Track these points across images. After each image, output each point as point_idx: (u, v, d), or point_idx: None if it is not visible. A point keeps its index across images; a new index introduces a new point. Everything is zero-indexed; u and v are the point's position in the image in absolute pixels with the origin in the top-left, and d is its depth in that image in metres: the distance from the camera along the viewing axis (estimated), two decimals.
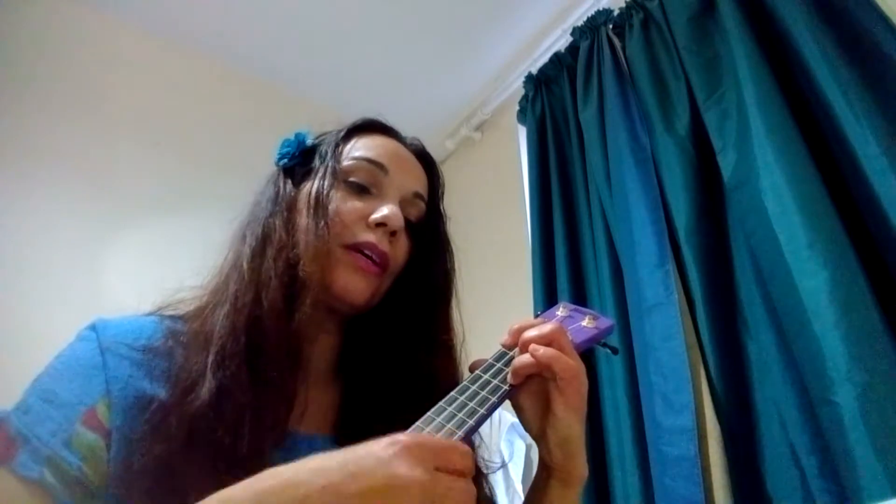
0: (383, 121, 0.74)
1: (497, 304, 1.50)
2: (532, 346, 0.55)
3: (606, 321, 0.64)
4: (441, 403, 0.53)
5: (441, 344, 0.67)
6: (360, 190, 0.66)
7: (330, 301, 0.62)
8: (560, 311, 0.67)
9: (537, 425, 0.57)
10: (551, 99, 1.72)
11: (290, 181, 0.68)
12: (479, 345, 0.69)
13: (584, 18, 1.61)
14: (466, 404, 0.53)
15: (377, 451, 0.40)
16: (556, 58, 1.72)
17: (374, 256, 0.62)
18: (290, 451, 0.53)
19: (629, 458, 1.16)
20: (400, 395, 0.62)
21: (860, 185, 0.96)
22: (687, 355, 1.09)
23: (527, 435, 0.67)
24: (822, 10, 1.08)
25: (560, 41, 1.75)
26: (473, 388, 0.55)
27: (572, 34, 1.65)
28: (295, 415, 0.56)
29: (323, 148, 0.69)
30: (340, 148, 0.68)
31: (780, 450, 0.99)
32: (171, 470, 0.47)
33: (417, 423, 0.51)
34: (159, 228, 1.58)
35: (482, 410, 0.52)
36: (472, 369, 0.60)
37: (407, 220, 0.67)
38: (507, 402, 0.58)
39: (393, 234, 0.64)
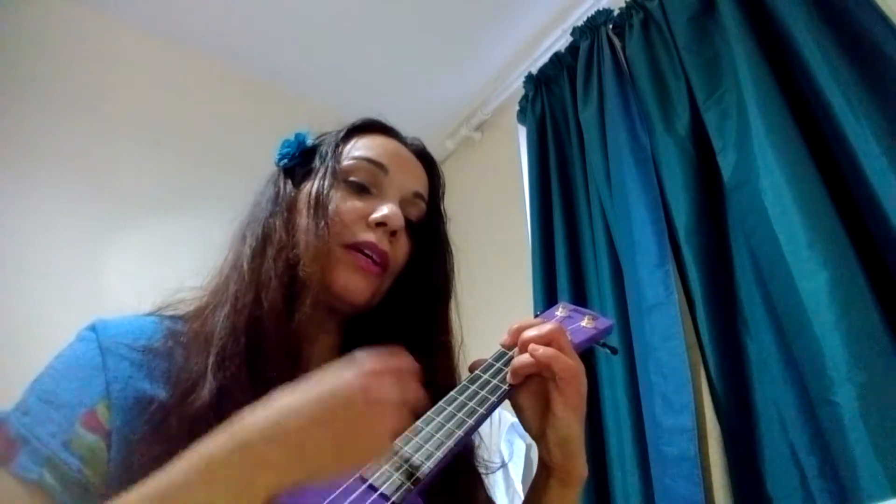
0: (383, 121, 0.73)
1: (497, 304, 1.50)
2: (531, 346, 0.55)
3: (606, 321, 0.64)
4: (441, 403, 0.53)
5: (441, 344, 0.67)
6: (360, 190, 0.66)
7: (330, 301, 0.62)
8: (559, 311, 0.67)
9: (537, 425, 0.58)
10: (551, 99, 1.72)
11: (290, 181, 0.68)
12: (478, 345, 0.69)
13: (584, 18, 1.61)
14: (466, 404, 0.53)
15: (350, 381, 0.42)
16: (556, 58, 1.72)
17: (374, 256, 0.62)
18: None
19: (629, 458, 1.16)
20: None
21: (860, 185, 0.96)
22: (687, 355, 1.09)
23: (527, 435, 0.67)
24: (822, 10, 1.08)
25: (560, 41, 1.75)
26: (473, 387, 0.55)
27: (572, 34, 1.65)
28: None
29: (323, 148, 0.69)
30: (340, 148, 0.68)
31: (780, 450, 0.99)
32: None
33: (417, 422, 0.51)
34: (159, 228, 1.58)
35: (482, 410, 0.52)
36: (471, 369, 0.60)
37: (407, 220, 0.67)
38: (507, 402, 0.58)
39: (393, 233, 0.64)
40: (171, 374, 0.54)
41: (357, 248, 0.62)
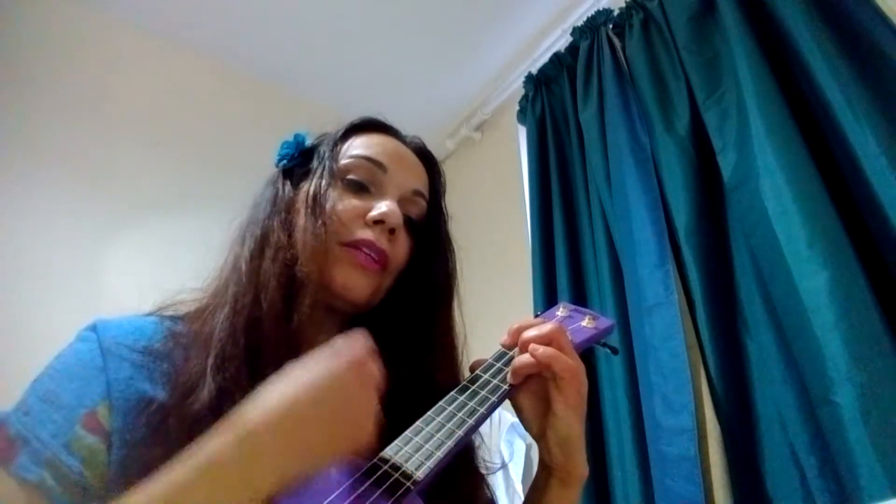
0: (382, 119, 0.73)
1: (497, 304, 1.50)
2: (531, 346, 0.55)
3: (606, 321, 0.64)
4: (441, 403, 0.53)
5: (442, 344, 0.67)
6: (359, 188, 0.65)
7: (330, 300, 0.61)
8: (560, 311, 0.67)
9: (537, 425, 0.57)
10: (551, 99, 1.72)
11: (288, 182, 0.68)
12: (479, 345, 0.69)
13: (584, 18, 1.61)
14: (466, 404, 0.53)
15: (339, 370, 0.44)
16: (556, 58, 1.72)
17: (372, 254, 0.62)
18: None
19: (629, 458, 1.16)
20: (400, 395, 0.61)
21: (860, 185, 0.96)
22: (687, 355, 1.09)
23: (527, 435, 0.67)
24: (822, 10, 1.08)
25: (560, 41, 1.75)
26: (473, 387, 0.55)
27: (572, 34, 1.65)
28: None
29: (321, 148, 0.69)
30: (338, 147, 0.68)
31: (780, 450, 0.99)
32: None
33: (417, 422, 0.51)
34: (159, 228, 1.58)
35: (482, 410, 0.52)
36: (472, 369, 0.60)
37: (408, 219, 0.67)
38: (508, 402, 0.58)
39: (392, 231, 0.63)
40: (171, 376, 0.54)
41: (355, 246, 0.62)
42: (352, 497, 0.43)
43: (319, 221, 0.61)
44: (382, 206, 0.63)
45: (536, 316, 0.68)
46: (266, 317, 0.57)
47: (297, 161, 0.70)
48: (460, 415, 0.51)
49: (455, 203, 0.78)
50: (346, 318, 0.66)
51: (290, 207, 0.65)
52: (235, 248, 0.64)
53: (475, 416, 0.51)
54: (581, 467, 0.57)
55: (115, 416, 0.50)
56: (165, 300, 0.63)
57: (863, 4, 1.04)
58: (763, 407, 1.04)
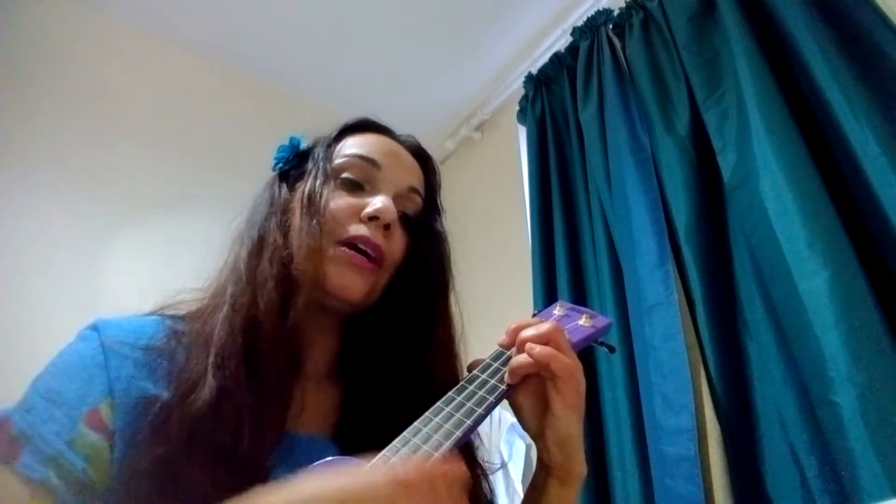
0: (375, 119, 0.73)
1: (497, 303, 1.50)
2: (529, 346, 0.55)
3: (603, 320, 0.64)
4: (439, 404, 0.53)
5: (440, 341, 0.67)
6: (354, 187, 0.66)
7: (325, 299, 0.61)
8: (557, 309, 0.67)
9: (536, 424, 0.57)
10: (551, 99, 1.72)
11: (284, 185, 0.68)
12: (479, 345, 0.69)
13: (584, 18, 1.61)
14: (464, 404, 0.53)
15: (378, 486, 0.39)
16: (556, 58, 1.72)
17: (368, 250, 0.62)
18: (288, 452, 0.53)
19: (629, 458, 1.16)
20: (400, 395, 0.62)
21: (860, 185, 0.96)
22: (687, 355, 1.09)
23: (526, 435, 0.67)
24: (822, 10, 1.08)
25: (560, 41, 1.75)
26: (471, 388, 0.55)
27: (572, 34, 1.65)
28: (293, 415, 0.56)
29: (316, 150, 0.69)
30: (333, 148, 0.68)
31: (780, 450, 0.99)
32: (173, 471, 0.47)
33: (415, 423, 0.51)
34: (159, 228, 1.59)
35: (480, 410, 0.52)
36: (469, 369, 0.60)
37: (404, 215, 0.67)
38: (506, 402, 0.58)
39: (387, 227, 0.64)
40: (172, 374, 0.54)
41: (350, 242, 0.62)
42: None
43: (314, 221, 0.61)
44: (377, 203, 0.63)
45: (534, 315, 0.68)
46: (263, 316, 0.57)
47: (293, 163, 0.70)
48: (458, 415, 0.51)
49: (455, 203, 0.78)
50: (345, 319, 0.67)
51: (286, 209, 0.65)
52: (234, 250, 0.65)
53: (473, 417, 0.51)
54: (579, 466, 0.57)
55: (117, 414, 0.50)
56: (166, 300, 0.63)
57: (863, 4, 1.04)
58: (763, 407, 1.04)
